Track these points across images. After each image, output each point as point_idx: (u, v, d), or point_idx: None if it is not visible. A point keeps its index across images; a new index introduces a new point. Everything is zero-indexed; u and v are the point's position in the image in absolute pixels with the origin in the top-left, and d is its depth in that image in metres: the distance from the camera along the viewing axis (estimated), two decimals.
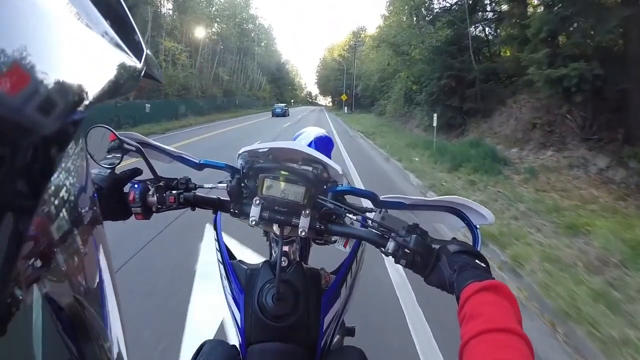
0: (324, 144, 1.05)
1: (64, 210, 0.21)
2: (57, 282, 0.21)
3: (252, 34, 47.78)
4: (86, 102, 0.20)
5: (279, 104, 34.75)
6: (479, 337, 0.41)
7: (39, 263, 0.18)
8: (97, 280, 0.27)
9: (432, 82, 11.08)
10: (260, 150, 0.69)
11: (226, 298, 0.79)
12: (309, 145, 1.00)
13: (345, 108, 38.76)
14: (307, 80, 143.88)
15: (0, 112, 0.14)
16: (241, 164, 0.71)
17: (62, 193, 0.21)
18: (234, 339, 0.77)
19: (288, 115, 30.51)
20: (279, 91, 70.80)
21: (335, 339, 0.87)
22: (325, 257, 1.00)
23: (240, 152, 0.70)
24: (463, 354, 0.41)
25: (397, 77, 19.10)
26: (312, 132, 1.08)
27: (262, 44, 60.24)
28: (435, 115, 8.63)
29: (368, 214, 0.67)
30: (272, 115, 29.77)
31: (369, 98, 36.98)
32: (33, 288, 0.18)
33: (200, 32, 26.66)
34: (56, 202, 0.20)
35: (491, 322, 0.42)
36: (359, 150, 10.35)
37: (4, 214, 0.15)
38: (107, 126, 0.67)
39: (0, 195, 0.14)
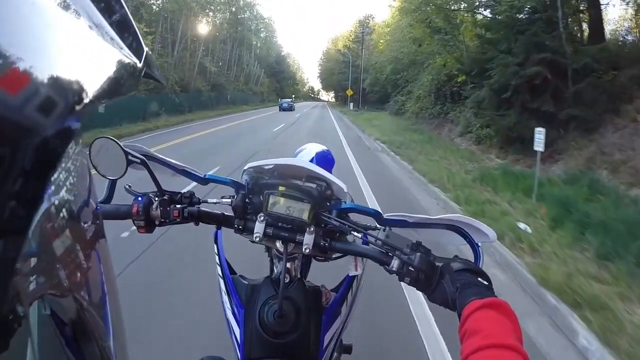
0: (325, 160, 1.06)
1: (66, 224, 0.21)
2: (59, 296, 0.21)
3: (248, 22, 43.45)
4: (86, 102, 0.20)
5: (286, 99, 36.96)
6: (477, 353, 0.41)
7: (42, 279, 0.18)
8: (100, 294, 0.27)
9: (508, 70, 6.86)
10: (266, 167, 0.70)
11: (225, 313, 0.78)
12: (310, 161, 0.99)
13: (351, 104, 34.51)
14: (310, 75, 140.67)
15: (1, 112, 0.13)
16: (246, 180, 0.72)
17: (63, 193, 0.21)
18: (230, 355, 0.76)
19: (294, 109, 32.06)
20: (279, 85, 66.41)
21: (334, 357, 0.86)
22: (325, 273, 1.02)
23: (245, 168, 0.72)
24: None
25: (426, 66, 14.82)
26: (314, 148, 1.10)
27: (262, 35, 55.98)
28: (541, 131, 4.48)
29: (372, 232, 0.67)
30: (280, 110, 31.01)
31: (378, 93, 32.72)
32: (35, 303, 0.19)
33: (180, 16, 22.45)
34: (59, 213, 0.20)
35: (490, 338, 0.42)
36: (392, 183, 6.15)
37: (5, 213, 0.15)
38: (112, 138, 0.67)
39: (1, 195, 0.14)
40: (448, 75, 12.91)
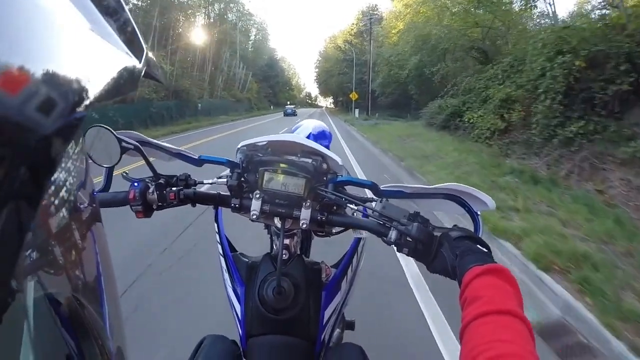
0: (322, 136, 1.05)
1: (63, 205, 0.21)
2: (54, 275, 0.21)
3: (232, 17, 36.76)
4: (86, 103, 0.20)
5: (289, 106, 40.79)
6: (478, 319, 0.41)
7: (35, 254, 0.19)
8: (95, 274, 0.28)
9: None
10: (259, 144, 0.69)
11: (226, 291, 0.78)
12: (307, 137, 0.99)
13: (357, 111, 27.54)
14: (307, 81, 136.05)
15: (1, 112, 0.13)
16: (240, 158, 0.71)
17: (62, 193, 0.21)
18: (234, 333, 0.76)
19: (297, 114, 35.42)
20: (272, 91, 59.64)
21: (336, 333, 0.87)
22: (327, 250, 1.02)
23: (239, 146, 0.71)
24: (463, 337, 0.41)
25: (534, 44, 7.60)
26: (310, 124, 1.08)
27: (252, 37, 49.37)
28: None
29: (369, 204, 0.66)
30: (284, 115, 34.72)
31: (391, 96, 25.82)
32: (29, 279, 0.19)
33: None
34: (56, 198, 0.20)
35: (490, 304, 0.42)
36: None
37: (5, 213, 0.15)
38: (105, 126, 0.67)
39: (1, 195, 0.14)
40: (592, 60, 5.93)
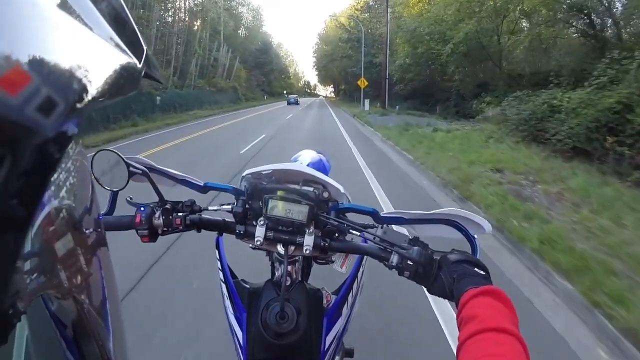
0: (321, 165, 1.12)
1: (68, 228, 0.22)
2: (60, 298, 0.22)
3: None
4: (86, 103, 0.20)
5: (292, 95, 42.76)
6: (473, 337, 0.42)
7: (42, 278, 0.19)
8: (101, 298, 0.28)
9: None
10: (264, 172, 0.72)
11: (227, 317, 0.78)
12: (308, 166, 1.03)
13: (366, 102, 21.58)
14: (306, 69, 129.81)
15: (1, 112, 0.14)
16: (245, 186, 0.73)
17: (64, 195, 0.21)
18: (233, 359, 0.76)
19: (299, 103, 38.07)
20: (266, 80, 53.22)
21: None
22: (326, 277, 1.01)
23: (244, 174, 0.73)
24: (459, 355, 0.42)
25: None
26: (309, 154, 1.16)
27: (242, 18, 43.09)
28: None
29: (370, 230, 0.68)
30: (287, 104, 36.59)
31: (412, 83, 19.87)
32: (35, 300, 0.19)
33: None
34: (60, 217, 0.21)
35: (485, 323, 0.43)
36: None
37: (4, 213, 0.15)
38: (114, 150, 0.68)
39: (1, 195, 0.14)
40: None
